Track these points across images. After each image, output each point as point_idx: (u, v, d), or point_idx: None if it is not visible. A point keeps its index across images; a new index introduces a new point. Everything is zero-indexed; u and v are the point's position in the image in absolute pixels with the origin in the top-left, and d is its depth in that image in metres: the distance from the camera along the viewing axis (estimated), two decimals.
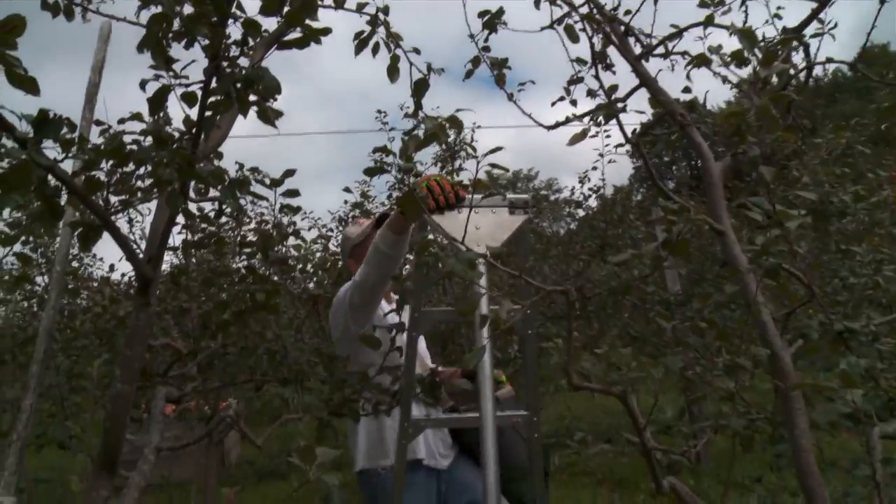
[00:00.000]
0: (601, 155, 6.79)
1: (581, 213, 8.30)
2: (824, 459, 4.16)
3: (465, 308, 1.53)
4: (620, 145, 2.37)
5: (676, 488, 2.26)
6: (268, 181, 2.63)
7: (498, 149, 1.66)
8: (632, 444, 2.25)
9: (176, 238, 3.73)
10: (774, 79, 2.46)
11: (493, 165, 1.66)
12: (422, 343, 3.19)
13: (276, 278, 2.87)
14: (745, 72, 2.28)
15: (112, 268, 4.98)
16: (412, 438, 2.52)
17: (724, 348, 2.26)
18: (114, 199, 2.26)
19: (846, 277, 3.33)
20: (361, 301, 2.92)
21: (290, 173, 2.60)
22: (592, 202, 7.99)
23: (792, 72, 2.42)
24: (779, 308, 2.85)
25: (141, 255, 2.22)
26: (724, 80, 3.29)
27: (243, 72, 1.84)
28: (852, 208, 2.87)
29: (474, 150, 1.69)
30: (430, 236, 2.33)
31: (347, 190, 3.84)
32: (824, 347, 2.30)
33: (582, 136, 2.16)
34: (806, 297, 2.66)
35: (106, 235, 2.09)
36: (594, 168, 7.68)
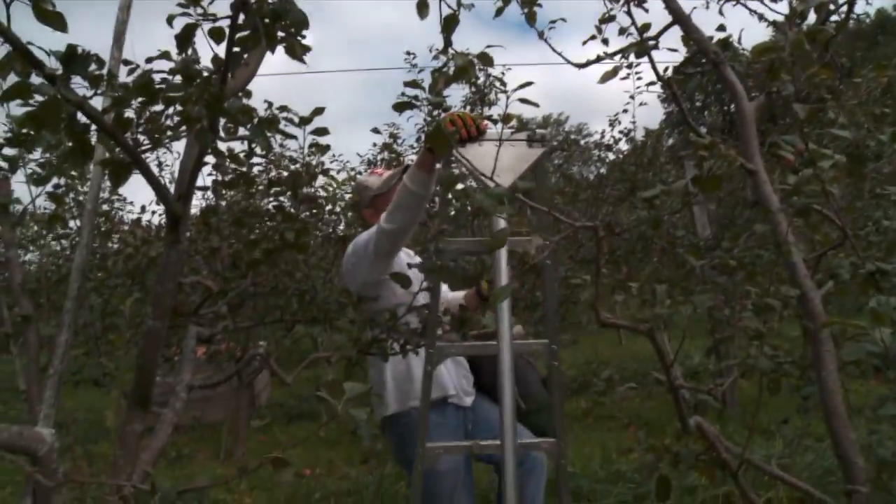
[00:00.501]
0: (632, 97, 6.68)
1: (611, 156, 8.22)
2: (851, 405, 4.14)
3: (495, 243, 1.53)
4: (652, 83, 2.34)
5: (702, 427, 2.27)
6: (297, 120, 2.63)
7: (528, 83, 1.64)
8: (659, 384, 2.25)
9: (206, 179, 3.76)
10: (812, 14, 2.40)
11: (523, 100, 1.64)
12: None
13: (305, 217, 2.87)
14: (783, 6, 2.22)
15: (143, 209, 5.01)
16: (437, 365, 2.64)
17: (753, 289, 2.25)
18: (143, 138, 2.27)
19: (879, 220, 3.27)
20: (390, 247, 2.93)
21: (319, 111, 2.60)
22: (623, 146, 7.90)
23: (832, 7, 2.35)
24: (810, 251, 2.82)
25: (171, 194, 2.23)
26: (761, 17, 3.22)
27: (270, 6, 1.82)
28: (888, 149, 2.80)
29: (504, 84, 1.68)
30: (457, 171, 2.35)
31: (376, 131, 3.84)
32: (855, 288, 2.28)
33: (613, 73, 2.12)
34: (838, 239, 2.63)
35: (136, 176, 2.11)
36: (625, 111, 7.57)
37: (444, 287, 3.33)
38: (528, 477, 3.16)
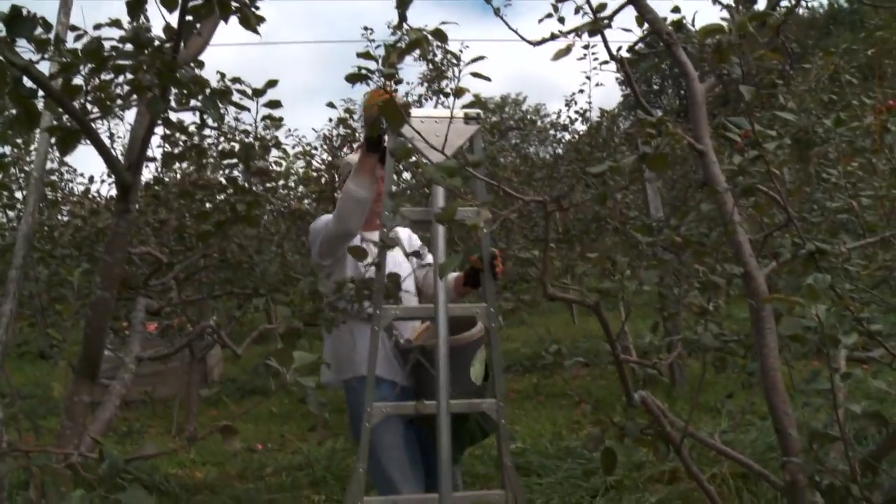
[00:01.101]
0: (588, 78, 6.73)
1: (567, 136, 8.28)
2: (794, 384, 4.26)
3: (445, 216, 1.54)
4: (606, 62, 2.36)
5: (647, 402, 2.32)
6: (250, 92, 2.61)
7: (480, 58, 1.66)
8: (610, 363, 2.30)
9: (156, 151, 3.71)
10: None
11: (475, 74, 1.65)
12: (400, 255, 3.26)
13: (257, 190, 2.86)
14: None
15: (92, 180, 4.92)
16: (383, 326, 2.83)
17: (700, 267, 2.30)
18: (92, 107, 2.24)
19: (822, 202, 3.36)
20: (332, 248, 3.09)
21: (272, 84, 2.58)
22: (579, 126, 7.96)
23: None
24: (757, 232, 2.89)
25: (121, 163, 2.21)
26: (715, 0, 3.25)
27: None
28: (833, 133, 2.87)
29: (458, 59, 1.68)
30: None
31: (331, 105, 3.82)
32: (797, 267, 2.34)
33: (566, 51, 2.14)
34: (783, 221, 2.70)
35: (85, 147, 2.09)
36: (581, 91, 7.63)
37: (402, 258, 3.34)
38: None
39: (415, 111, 2.71)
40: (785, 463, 2.12)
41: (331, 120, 7.04)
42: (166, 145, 3.13)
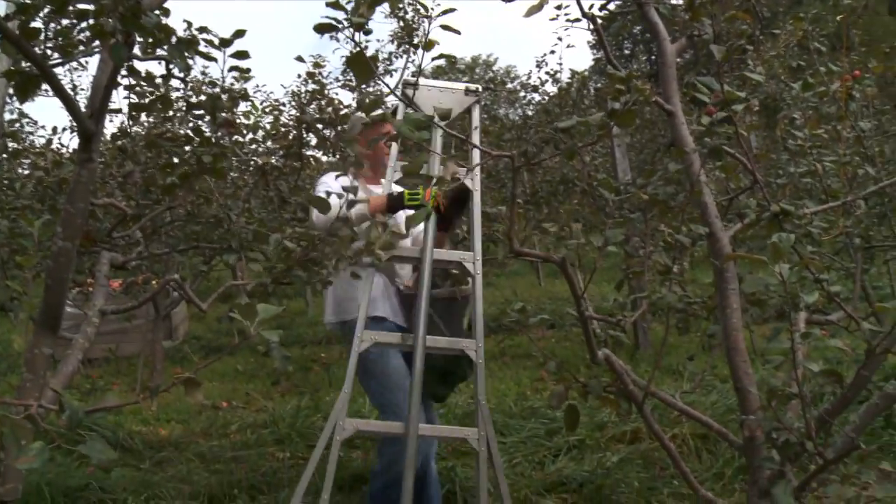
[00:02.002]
0: (559, 38, 6.70)
1: (537, 97, 8.25)
2: (754, 347, 4.33)
3: (411, 167, 1.53)
4: (577, 20, 2.36)
5: (610, 359, 2.35)
6: (217, 41, 2.56)
7: (451, 10, 1.64)
8: (574, 326, 2.32)
9: (123, 103, 3.64)
10: None
11: (445, 27, 1.63)
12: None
13: (223, 142, 2.82)
14: None
15: (55, 131, 4.80)
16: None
17: (665, 227, 2.31)
18: (52, 53, 2.18)
19: (786, 164, 3.39)
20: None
21: (240, 34, 2.54)
22: (549, 87, 7.93)
23: None
24: (723, 194, 2.91)
25: (83, 110, 2.16)
26: None
27: None
28: (800, 99, 2.89)
29: (427, 10, 1.66)
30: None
31: (300, 59, 3.76)
32: (761, 229, 2.37)
33: (538, 7, 2.12)
34: (749, 184, 2.72)
35: (48, 99, 2.04)
36: (552, 52, 7.60)
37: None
38: (432, 485, 3.46)
39: (422, 80, 2.97)
40: (744, 420, 2.17)
41: (300, 76, 6.97)
42: (133, 96, 3.07)
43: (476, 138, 3.06)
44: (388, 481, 3.27)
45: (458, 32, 1.69)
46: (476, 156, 3.04)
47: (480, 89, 3.26)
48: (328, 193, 2.77)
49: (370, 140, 3.24)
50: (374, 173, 3.54)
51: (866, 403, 1.94)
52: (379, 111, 2.30)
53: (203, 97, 3.22)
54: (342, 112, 4.32)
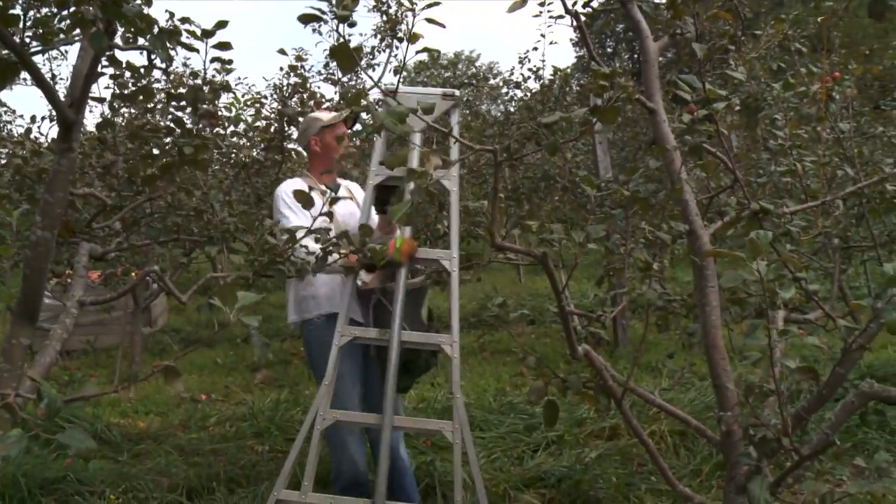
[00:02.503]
0: (542, 35, 6.71)
1: (519, 94, 8.26)
2: (733, 345, 4.37)
3: (394, 161, 1.53)
4: (560, 17, 2.37)
5: (590, 355, 2.36)
6: (199, 32, 2.54)
7: (436, 3, 1.64)
8: (554, 323, 2.33)
9: (104, 92, 3.61)
10: None
11: (429, 20, 1.64)
12: (354, 208, 3.65)
13: (204, 133, 2.81)
14: None
15: (34, 120, 4.74)
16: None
17: (646, 223, 2.33)
18: (31, 41, 2.16)
19: (766, 164, 3.42)
20: None
21: (222, 24, 2.52)
22: (531, 84, 7.95)
23: None
24: (704, 193, 2.93)
25: (63, 99, 2.14)
26: None
27: None
28: (781, 96, 2.91)
29: (412, 3, 1.66)
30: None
31: (282, 52, 3.72)
32: (741, 227, 2.39)
33: (522, 2, 2.12)
34: (730, 182, 2.74)
35: (26, 88, 2.02)
36: (535, 48, 7.60)
37: (351, 210, 3.64)
38: (402, 474, 3.53)
39: (402, 87, 2.98)
40: (721, 416, 2.19)
41: (282, 69, 6.93)
42: (115, 86, 3.04)
43: (455, 133, 3.08)
44: (345, 485, 3.38)
45: (442, 26, 1.69)
46: (455, 154, 3.14)
47: (457, 93, 3.36)
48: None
49: (337, 137, 3.46)
50: (328, 170, 3.64)
51: (842, 401, 1.96)
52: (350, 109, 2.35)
53: (184, 88, 3.22)
54: (324, 105, 4.32)
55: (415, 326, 3.23)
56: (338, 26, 1.71)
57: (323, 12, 1.76)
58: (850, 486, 1.77)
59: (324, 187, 3.27)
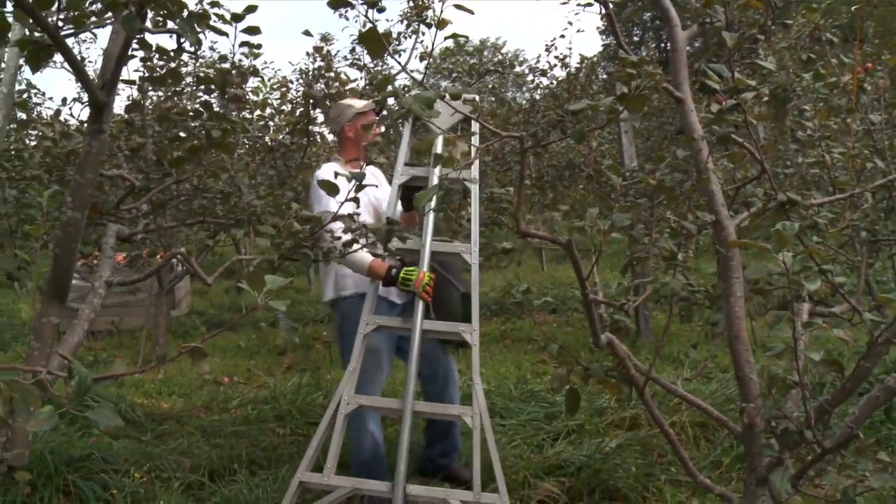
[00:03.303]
0: (570, 23, 6.67)
1: (545, 81, 8.22)
2: (756, 338, 4.35)
3: (422, 146, 1.54)
4: (589, 4, 2.35)
5: (613, 343, 2.36)
6: (228, 16, 2.56)
7: None
8: (576, 311, 2.33)
9: (133, 76, 3.64)
10: None
11: (458, 6, 1.64)
12: (381, 193, 3.75)
13: (232, 116, 2.82)
14: None
15: (64, 102, 4.77)
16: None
17: (671, 215, 2.32)
18: (65, 24, 2.18)
19: (794, 154, 3.39)
20: None
21: (252, 9, 2.53)
22: (557, 72, 7.92)
23: None
24: (730, 184, 2.91)
25: (95, 81, 2.17)
26: None
27: None
28: (811, 89, 2.88)
29: None
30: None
31: (307, 33, 3.73)
32: (767, 218, 2.37)
33: None
34: (757, 173, 2.72)
35: (56, 71, 2.04)
36: (562, 36, 7.57)
37: (381, 197, 3.76)
38: (446, 383, 3.87)
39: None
40: (743, 408, 2.18)
41: (308, 54, 6.95)
42: (144, 70, 3.07)
43: (476, 139, 3.26)
44: (365, 460, 3.60)
45: (471, 12, 1.69)
46: (476, 144, 3.21)
47: (476, 98, 3.38)
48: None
49: (364, 126, 3.57)
50: (358, 156, 3.79)
51: (866, 395, 1.95)
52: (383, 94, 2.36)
53: (213, 72, 3.24)
54: (349, 87, 4.32)
55: (448, 310, 3.41)
56: (367, 11, 1.71)
57: None
58: (873, 480, 1.76)
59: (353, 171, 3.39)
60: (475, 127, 3.33)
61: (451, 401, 3.86)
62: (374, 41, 1.73)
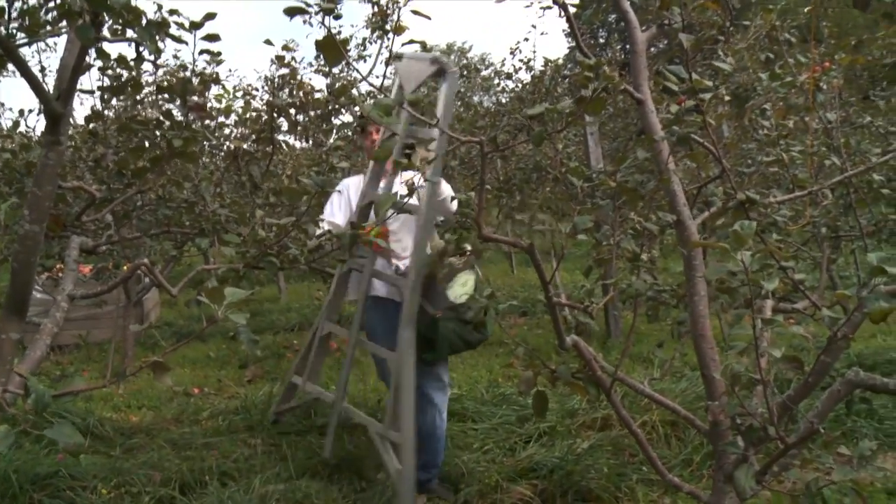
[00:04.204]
0: (533, 26, 6.70)
1: (511, 85, 8.25)
2: (724, 336, 4.39)
3: (381, 153, 1.53)
4: (549, 7, 2.36)
5: (579, 345, 2.37)
6: (187, 24, 2.54)
7: None
8: (545, 314, 2.34)
9: (94, 85, 3.59)
10: None
11: (415, 12, 1.64)
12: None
13: (194, 125, 2.80)
14: None
15: (22, 113, 4.71)
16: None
17: (634, 213, 2.34)
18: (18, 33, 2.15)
19: (754, 153, 3.43)
20: None
21: (210, 16, 2.52)
22: (523, 75, 7.94)
23: None
24: (692, 183, 2.94)
25: (50, 92, 2.14)
26: None
27: None
28: (769, 87, 2.92)
29: None
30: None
31: (269, 42, 3.71)
32: (728, 217, 2.40)
33: None
34: (718, 172, 2.75)
35: (14, 80, 2.01)
36: (526, 39, 7.59)
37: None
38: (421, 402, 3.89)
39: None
40: (708, 406, 2.20)
41: (272, 61, 6.90)
42: (105, 79, 3.04)
43: (442, 116, 3.26)
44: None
45: (427, 18, 1.69)
46: (435, 133, 3.17)
47: (446, 60, 3.42)
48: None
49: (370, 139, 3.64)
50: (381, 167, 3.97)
51: (828, 390, 1.98)
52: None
53: (174, 80, 3.21)
54: (315, 97, 4.30)
55: (438, 305, 3.63)
56: (324, 19, 1.71)
57: (308, 4, 1.76)
58: (835, 473, 1.78)
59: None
60: (443, 92, 3.34)
61: (424, 422, 3.88)
62: (332, 48, 1.73)
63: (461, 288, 3.60)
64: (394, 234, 3.85)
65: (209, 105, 3.41)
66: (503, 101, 8.53)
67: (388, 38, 3.14)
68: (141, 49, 2.56)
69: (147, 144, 3.08)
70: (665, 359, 3.16)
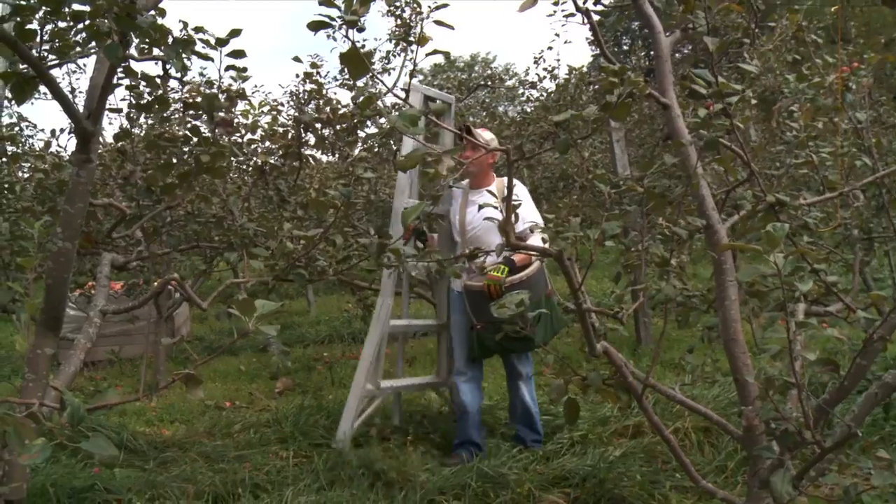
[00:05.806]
0: (557, 34, 6.71)
1: (535, 94, 8.24)
2: (755, 341, 4.35)
3: (406, 163, 1.54)
4: (572, 15, 2.36)
5: (609, 352, 2.36)
6: (213, 41, 2.57)
7: (444, 5, 1.65)
8: (575, 320, 2.33)
9: (121, 104, 3.65)
10: None
11: (438, 22, 1.64)
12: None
13: (221, 141, 2.83)
14: None
15: (54, 133, 4.77)
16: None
17: (663, 218, 2.32)
18: (48, 55, 2.19)
19: (782, 155, 3.39)
20: None
21: (236, 33, 2.54)
22: (547, 83, 7.94)
23: None
24: (720, 187, 2.92)
25: (81, 111, 2.17)
26: None
27: None
28: (797, 91, 2.89)
29: (420, 7, 1.66)
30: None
31: (297, 59, 3.74)
32: (758, 220, 2.38)
33: (532, 1, 2.13)
34: (746, 176, 2.73)
35: (45, 102, 2.04)
36: (549, 48, 7.61)
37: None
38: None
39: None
40: (742, 411, 2.18)
41: (298, 76, 6.97)
42: (132, 97, 3.08)
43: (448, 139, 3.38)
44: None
45: (451, 28, 1.69)
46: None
47: (454, 100, 3.72)
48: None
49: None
50: (477, 180, 4.27)
51: (865, 393, 1.95)
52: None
53: (200, 97, 3.25)
54: (340, 112, 4.34)
55: (486, 318, 4.02)
56: (347, 32, 1.72)
57: (332, 18, 1.77)
58: (874, 478, 1.75)
59: (476, 196, 4.20)
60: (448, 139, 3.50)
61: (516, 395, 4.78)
62: (356, 61, 1.74)
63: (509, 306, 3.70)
64: (478, 238, 4.31)
65: (235, 121, 3.45)
66: (528, 110, 8.52)
67: (412, 50, 3.14)
68: (167, 67, 2.60)
69: (175, 161, 3.11)
70: (696, 364, 3.12)
